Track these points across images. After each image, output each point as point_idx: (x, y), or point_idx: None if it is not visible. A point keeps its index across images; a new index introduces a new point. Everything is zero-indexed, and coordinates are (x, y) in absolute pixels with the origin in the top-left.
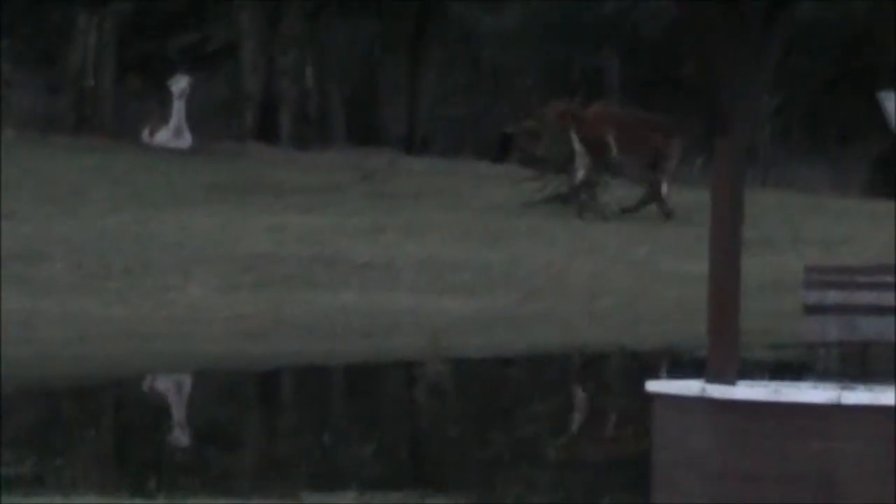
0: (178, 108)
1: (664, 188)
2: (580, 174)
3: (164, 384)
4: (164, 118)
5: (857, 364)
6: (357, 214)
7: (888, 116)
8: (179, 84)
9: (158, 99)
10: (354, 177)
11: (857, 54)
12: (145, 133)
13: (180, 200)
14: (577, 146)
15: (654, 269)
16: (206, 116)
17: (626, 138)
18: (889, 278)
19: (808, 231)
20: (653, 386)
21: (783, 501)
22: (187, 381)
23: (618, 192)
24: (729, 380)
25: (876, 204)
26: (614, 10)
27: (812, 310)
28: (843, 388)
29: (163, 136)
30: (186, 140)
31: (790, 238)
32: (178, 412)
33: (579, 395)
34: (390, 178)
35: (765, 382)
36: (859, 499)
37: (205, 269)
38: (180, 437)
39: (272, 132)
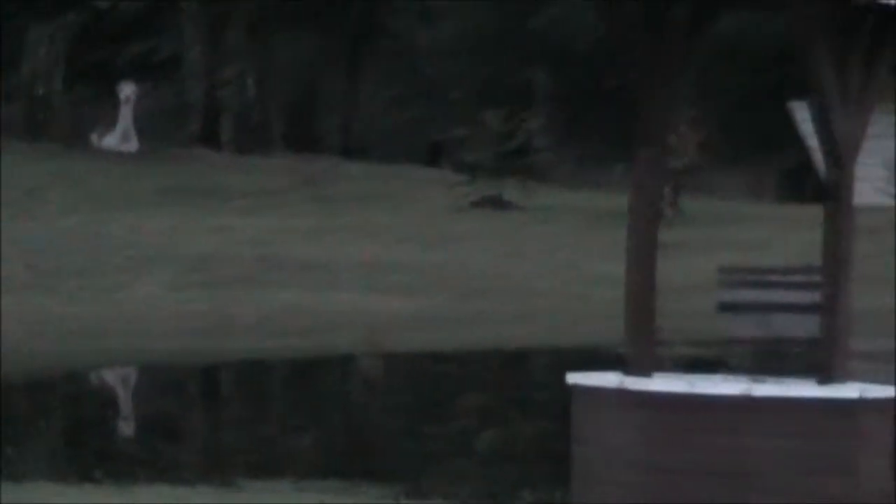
0: (124, 114)
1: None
2: None
3: (115, 379)
4: (112, 123)
5: (770, 359)
6: (298, 217)
7: (798, 127)
8: (125, 91)
9: (109, 105)
10: (295, 181)
11: (770, 69)
12: (94, 137)
13: (131, 203)
14: None
15: (578, 270)
16: (153, 123)
17: None
18: (800, 278)
19: (725, 235)
20: (573, 378)
21: (695, 490)
22: (137, 375)
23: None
24: (645, 372)
25: (788, 209)
26: (543, 26)
27: (727, 308)
28: (753, 382)
29: (111, 141)
30: (133, 144)
31: (707, 241)
32: (127, 405)
33: (507, 389)
34: (330, 183)
35: (680, 376)
36: (767, 488)
37: (155, 269)
38: (128, 428)
39: (215, 138)
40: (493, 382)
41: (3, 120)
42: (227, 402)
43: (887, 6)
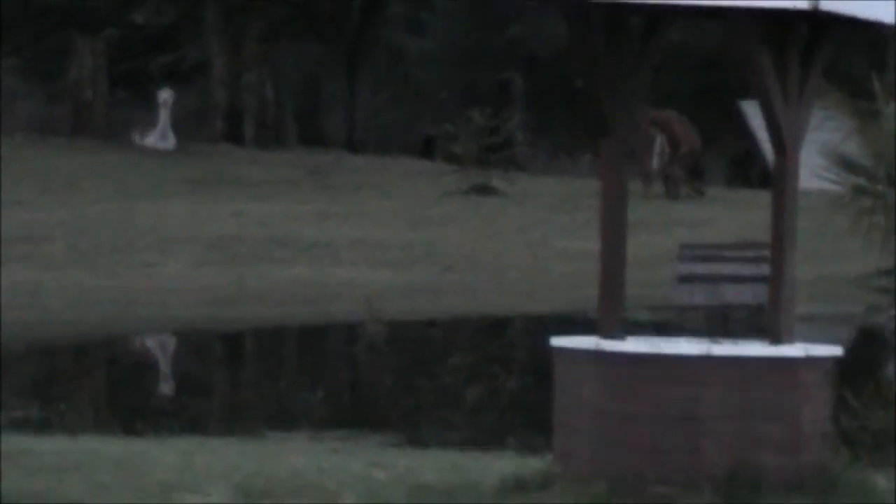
0: (163, 116)
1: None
2: (655, 164)
3: (145, 344)
4: (152, 124)
5: (720, 323)
6: (306, 203)
7: (747, 122)
8: (164, 96)
9: (145, 108)
10: (304, 172)
11: (716, 70)
12: (136, 136)
13: (159, 192)
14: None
15: (550, 247)
16: (182, 123)
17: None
18: (748, 253)
19: (679, 214)
20: (555, 342)
21: (661, 436)
22: (166, 341)
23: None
24: (619, 336)
25: (734, 193)
26: (518, 35)
27: (684, 279)
28: (712, 343)
29: (151, 139)
30: (171, 142)
31: (663, 220)
32: (158, 367)
33: (491, 351)
34: (333, 173)
35: (647, 338)
36: (722, 435)
37: (180, 248)
38: (161, 386)
39: (239, 135)
40: (476, 345)
41: (48, 120)
42: (245, 364)
43: (820, 14)
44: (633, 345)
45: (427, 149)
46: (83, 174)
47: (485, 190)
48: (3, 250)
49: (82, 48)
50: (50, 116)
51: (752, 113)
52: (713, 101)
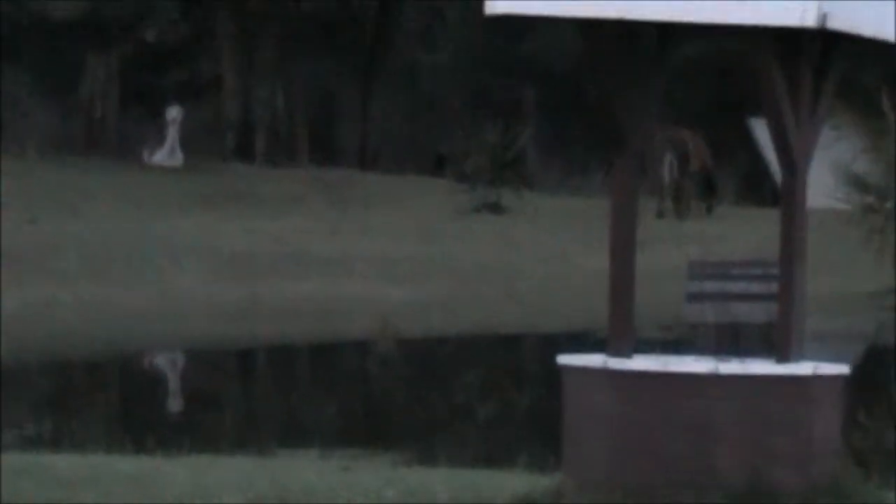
0: (171, 133)
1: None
2: (665, 180)
3: (158, 360)
4: (160, 141)
5: (731, 342)
6: (319, 219)
7: (755, 139)
8: (172, 113)
9: (156, 125)
10: (317, 187)
11: (728, 86)
12: (145, 154)
13: (173, 207)
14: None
15: (564, 263)
16: (194, 138)
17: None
18: (757, 271)
19: (690, 231)
20: (562, 360)
21: (666, 454)
22: (178, 356)
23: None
24: (626, 353)
25: (746, 210)
26: (530, 50)
27: (693, 297)
28: (719, 361)
29: (159, 156)
30: (179, 159)
31: (674, 237)
32: (171, 382)
33: (503, 368)
34: (346, 189)
35: (655, 356)
36: (731, 444)
37: (193, 264)
38: (172, 402)
39: (250, 151)
40: (489, 361)
41: (61, 136)
42: (257, 380)
43: (828, 31)
44: (641, 363)
45: (439, 165)
46: (97, 190)
47: (494, 208)
48: (18, 265)
49: (94, 64)
50: (63, 132)
51: (760, 130)
52: (725, 118)
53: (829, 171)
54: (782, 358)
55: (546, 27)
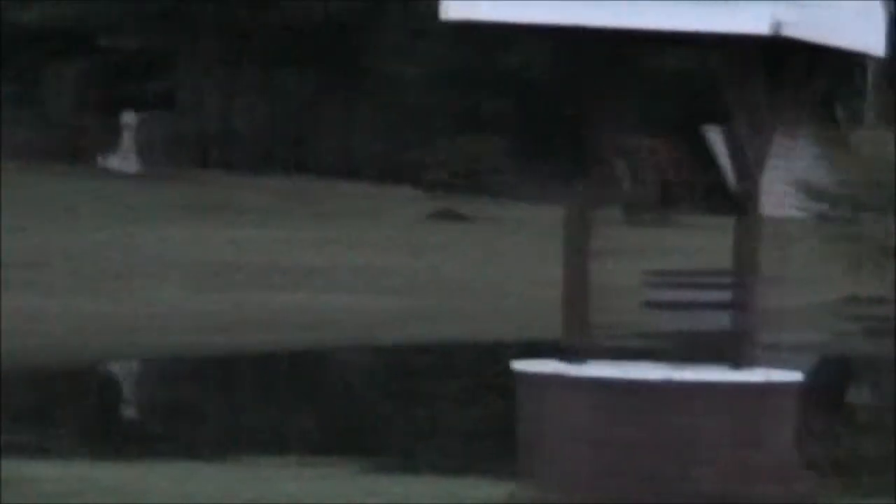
0: (126, 138)
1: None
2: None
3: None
4: (115, 147)
5: (688, 350)
6: (302, 229)
7: (712, 148)
8: (125, 118)
9: (111, 130)
10: (298, 198)
11: (689, 96)
12: (99, 158)
13: (157, 218)
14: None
15: (544, 272)
16: (175, 148)
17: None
18: (715, 280)
19: (650, 241)
20: (517, 366)
21: (621, 460)
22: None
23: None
24: (580, 360)
25: (706, 219)
26: (509, 64)
27: (650, 305)
28: (674, 368)
29: (113, 161)
30: (132, 165)
31: (635, 247)
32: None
33: (485, 377)
34: (329, 200)
35: (610, 363)
36: (690, 460)
37: (178, 274)
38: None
39: (230, 161)
40: (471, 370)
41: (43, 147)
42: (242, 390)
43: (783, 40)
44: (596, 369)
45: (416, 176)
46: (81, 200)
47: (458, 217)
48: (4, 276)
49: (63, 73)
50: (43, 143)
51: (715, 139)
52: (686, 127)
53: (784, 180)
54: (736, 365)
55: (527, 39)
